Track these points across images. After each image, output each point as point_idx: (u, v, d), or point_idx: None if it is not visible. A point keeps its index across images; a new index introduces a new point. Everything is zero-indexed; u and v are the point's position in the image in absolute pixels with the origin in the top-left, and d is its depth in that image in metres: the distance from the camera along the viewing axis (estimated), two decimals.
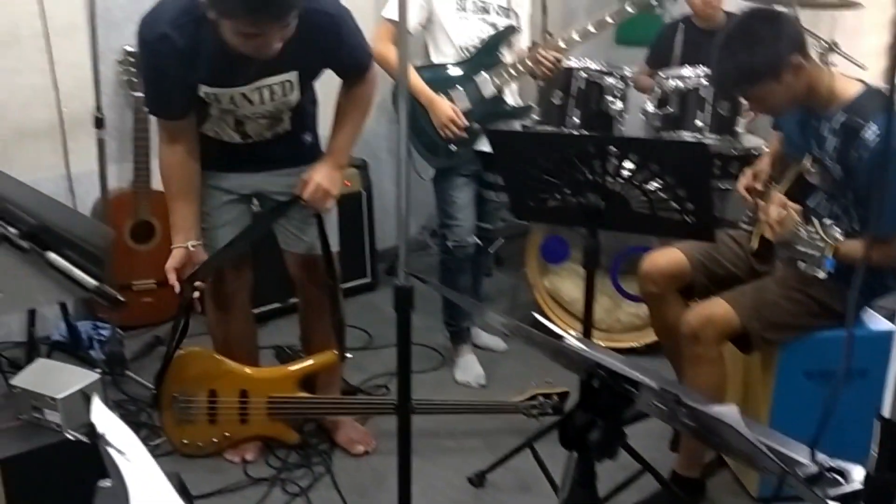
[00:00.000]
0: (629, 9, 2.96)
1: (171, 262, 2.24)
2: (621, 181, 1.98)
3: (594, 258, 2.09)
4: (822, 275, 1.90)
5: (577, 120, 3.33)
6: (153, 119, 2.31)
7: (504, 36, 3.00)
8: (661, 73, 3.32)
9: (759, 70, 2.08)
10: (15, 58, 3.08)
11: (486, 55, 2.97)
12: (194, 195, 2.31)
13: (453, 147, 2.96)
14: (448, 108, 2.90)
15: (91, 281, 1.09)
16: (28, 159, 3.19)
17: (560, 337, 1.20)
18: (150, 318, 3.35)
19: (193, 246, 2.27)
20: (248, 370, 2.54)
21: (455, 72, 2.97)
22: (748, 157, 3.43)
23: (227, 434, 2.55)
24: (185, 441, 2.55)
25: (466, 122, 2.92)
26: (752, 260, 2.45)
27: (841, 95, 2.16)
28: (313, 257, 2.51)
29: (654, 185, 1.95)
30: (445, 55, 2.99)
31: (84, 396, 1.82)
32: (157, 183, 3.34)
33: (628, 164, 1.94)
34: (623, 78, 3.33)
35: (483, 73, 2.97)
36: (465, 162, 3.02)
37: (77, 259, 1.02)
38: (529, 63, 2.95)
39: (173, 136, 2.25)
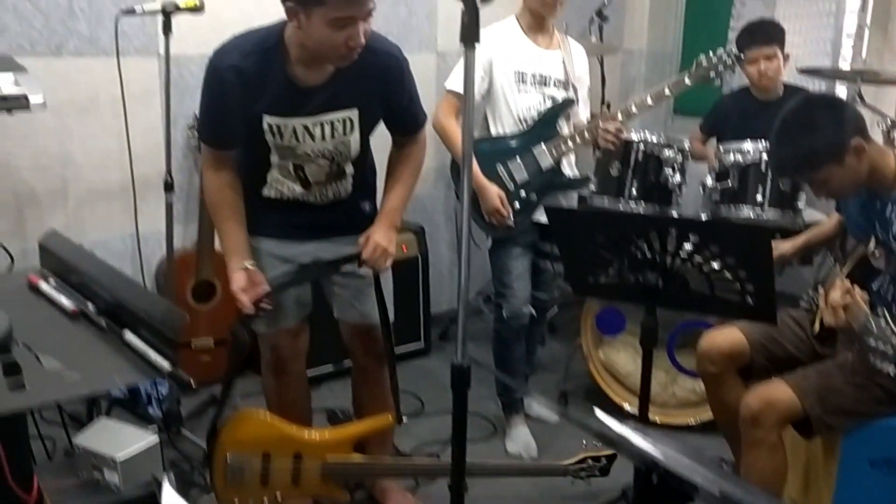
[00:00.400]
0: (687, 81, 2.99)
1: (237, 285, 2.22)
2: (680, 260, 1.97)
3: (652, 337, 2.08)
4: (893, 371, 1.85)
5: (635, 192, 3.32)
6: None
7: (562, 108, 3.04)
8: (720, 147, 3.31)
9: (820, 156, 2.08)
10: (93, 123, 3.22)
11: (544, 127, 3.01)
12: (242, 218, 2.32)
13: (509, 222, 2.99)
14: (495, 198, 2.93)
15: (165, 364, 1.11)
16: (99, 219, 3.32)
17: (615, 430, 1.19)
18: (207, 377, 3.38)
19: (250, 266, 2.26)
20: (304, 434, 2.52)
21: (513, 143, 3.01)
22: None
23: (278, 495, 2.52)
24: (236, 501, 2.52)
25: (511, 213, 2.95)
26: (813, 342, 2.40)
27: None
28: (368, 326, 2.52)
29: (714, 265, 1.93)
30: (505, 126, 3.03)
31: (143, 458, 1.85)
32: (219, 244, 3.45)
33: (688, 244, 1.93)
34: (682, 151, 3.32)
35: (541, 144, 3.01)
36: (521, 232, 3.04)
37: (152, 340, 1.05)
38: (589, 135, 2.98)
39: (219, 164, 2.29)
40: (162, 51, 2.92)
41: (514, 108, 3.00)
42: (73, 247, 1.43)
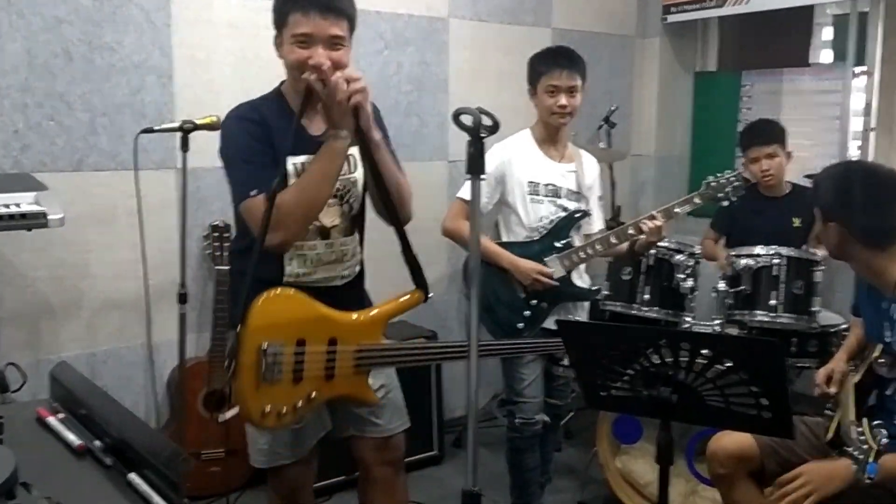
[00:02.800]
0: (697, 200, 3.03)
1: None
2: (694, 374, 1.94)
3: (667, 454, 2.03)
4: (866, 479, 1.82)
5: (647, 297, 3.32)
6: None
7: (574, 219, 3.06)
8: (732, 252, 3.32)
9: (820, 203, 2.23)
10: (110, 234, 3.27)
11: (555, 237, 3.02)
12: None
13: (521, 324, 2.98)
14: (533, 263, 2.96)
15: None
16: (113, 328, 3.33)
17: None
18: (217, 488, 3.34)
19: None
20: (337, 315, 2.16)
21: (524, 252, 3.02)
22: (825, 335, 3.37)
23: (312, 395, 2.12)
24: (268, 408, 2.05)
25: (553, 274, 2.96)
26: (827, 449, 2.34)
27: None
28: (388, 437, 2.41)
29: (727, 379, 1.90)
30: (516, 235, 3.06)
31: None
32: None
33: (701, 358, 1.91)
34: (693, 255, 3.34)
35: (553, 256, 3.01)
36: (533, 339, 3.02)
37: (156, 482, 1.04)
38: (632, 231, 2.94)
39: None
40: (180, 164, 3.00)
41: (527, 218, 3.03)
42: (84, 380, 1.43)
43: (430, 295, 2.27)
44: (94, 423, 1.21)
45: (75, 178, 3.19)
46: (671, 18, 4.71)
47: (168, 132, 2.99)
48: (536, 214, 3.03)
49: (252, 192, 2.09)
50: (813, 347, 3.39)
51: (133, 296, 3.31)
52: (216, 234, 3.39)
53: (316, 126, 2.20)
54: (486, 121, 1.55)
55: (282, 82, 2.26)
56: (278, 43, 2.18)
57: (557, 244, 3.02)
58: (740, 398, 1.92)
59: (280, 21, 2.14)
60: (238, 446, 3.03)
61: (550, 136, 3.08)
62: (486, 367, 2.04)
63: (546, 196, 3.03)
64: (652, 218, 2.90)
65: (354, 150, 2.21)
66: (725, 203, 3.04)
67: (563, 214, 3.03)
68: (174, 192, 3.34)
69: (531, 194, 3.02)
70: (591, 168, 3.19)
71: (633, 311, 3.37)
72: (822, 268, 3.27)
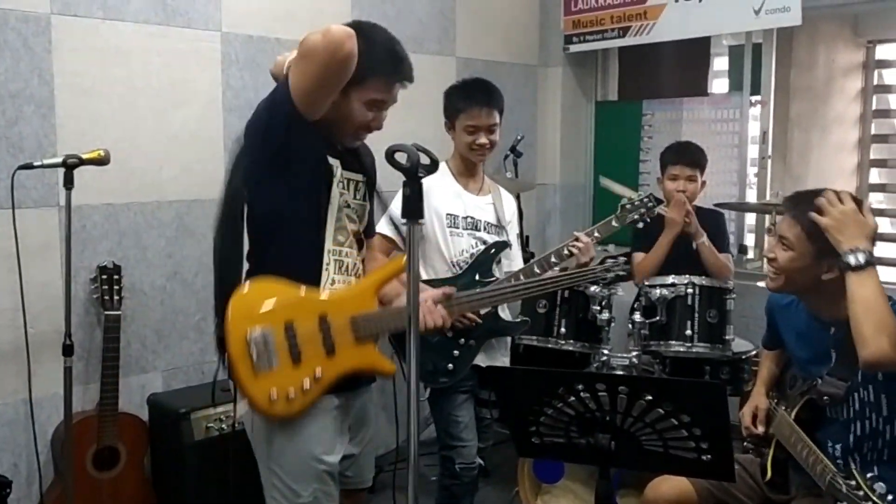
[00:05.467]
0: (614, 223, 3.01)
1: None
2: (632, 418, 1.86)
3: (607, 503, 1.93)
4: None
5: (563, 329, 3.27)
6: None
7: (497, 251, 2.97)
8: (646, 283, 3.30)
9: (820, 234, 2.11)
10: None
11: (477, 272, 2.92)
12: None
13: (451, 366, 2.85)
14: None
15: None
16: None
17: None
18: None
19: None
20: (322, 294, 2.11)
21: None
22: (738, 362, 3.39)
23: (317, 371, 2.05)
24: (273, 392, 2.00)
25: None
26: (765, 489, 2.31)
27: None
28: (355, 490, 2.34)
29: (667, 423, 1.83)
30: (437, 270, 2.94)
31: None
32: (123, 405, 3.18)
33: (639, 402, 1.83)
34: (608, 286, 3.29)
35: (477, 289, 2.86)
36: (463, 379, 2.89)
37: None
38: (555, 259, 2.94)
39: None
40: (63, 201, 2.74)
41: (447, 251, 2.93)
42: None
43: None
44: None
45: None
46: (573, 48, 4.73)
47: (49, 168, 2.74)
48: (457, 248, 2.94)
49: None
50: (726, 375, 3.40)
51: (11, 347, 3.00)
52: (105, 277, 3.12)
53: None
54: (424, 159, 1.43)
55: None
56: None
57: (481, 279, 2.91)
58: (680, 442, 1.85)
59: None
60: None
61: (468, 169, 3.04)
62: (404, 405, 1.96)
63: (465, 229, 2.96)
64: (576, 239, 2.93)
65: (363, 180, 2.23)
66: (640, 225, 3.05)
67: (483, 248, 2.95)
68: (56, 232, 3.06)
69: (450, 227, 2.94)
70: (509, 202, 3.15)
71: (550, 345, 3.30)
72: (734, 296, 3.29)
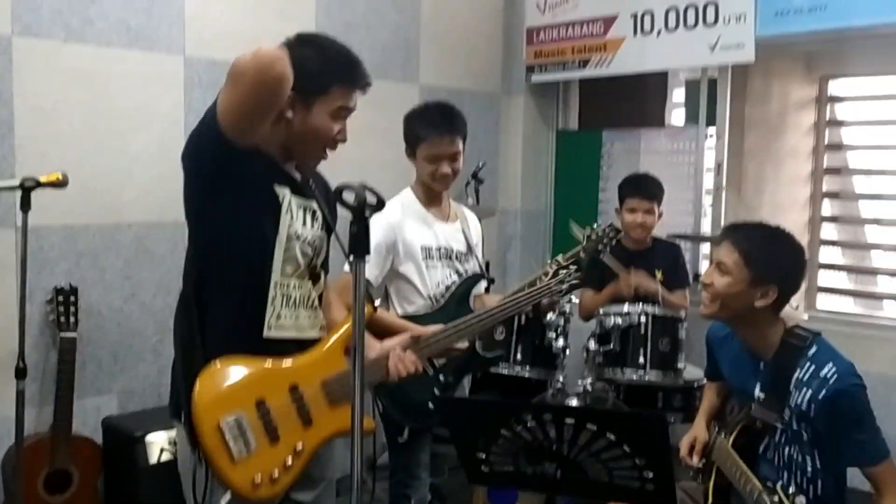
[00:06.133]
0: (582, 255, 3.04)
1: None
2: (577, 448, 1.90)
3: None
4: None
5: (519, 356, 3.31)
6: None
7: (473, 284, 2.90)
8: (601, 311, 3.36)
9: (755, 258, 2.19)
10: None
11: (456, 305, 2.83)
12: None
13: (432, 405, 2.75)
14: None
15: None
16: None
17: None
18: None
19: None
20: (288, 363, 2.03)
21: (429, 324, 2.62)
22: (690, 389, 3.46)
23: (299, 446, 2.00)
24: (258, 477, 1.92)
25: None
26: None
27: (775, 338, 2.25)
28: None
29: (611, 453, 1.87)
30: (414, 305, 2.83)
31: None
32: (77, 428, 3.16)
33: (584, 432, 1.87)
34: (563, 314, 3.35)
35: (443, 326, 2.71)
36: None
37: None
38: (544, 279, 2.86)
39: None
40: (20, 222, 2.73)
41: (424, 286, 2.82)
42: None
43: (377, 306, 2.23)
44: None
45: None
46: (535, 78, 4.82)
47: (6, 190, 2.73)
48: (433, 280, 2.83)
49: None
50: (678, 402, 3.48)
51: None
52: (61, 298, 3.11)
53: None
54: (371, 198, 1.47)
55: None
56: (296, 106, 2.00)
57: (458, 311, 2.79)
58: (624, 471, 1.89)
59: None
60: None
61: (434, 197, 2.91)
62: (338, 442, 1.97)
63: (440, 259, 2.86)
64: (546, 273, 2.87)
65: (318, 208, 2.13)
66: (602, 256, 3.09)
67: (457, 279, 2.86)
68: (12, 253, 3.04)
69: (426, 259, 2.82)
70: (475, 225, 3.06)
71: (507, 371, 3.34)
72: (686, 324, 3.37)
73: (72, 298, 3.13)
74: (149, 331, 3.46)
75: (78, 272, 3.24)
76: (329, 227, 2.17)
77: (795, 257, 2.29)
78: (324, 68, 2.00)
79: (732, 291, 2.24)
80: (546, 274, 2.87)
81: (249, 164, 1.93)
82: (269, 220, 2.00)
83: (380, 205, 1.53)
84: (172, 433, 3.17)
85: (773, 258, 2.23)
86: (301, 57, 1.94)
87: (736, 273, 2.24)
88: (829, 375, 2.14)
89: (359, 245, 1.45)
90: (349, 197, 1.50)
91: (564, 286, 2.78)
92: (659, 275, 3.74)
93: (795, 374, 2.19)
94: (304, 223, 2.09)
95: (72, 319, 3.11)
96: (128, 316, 3.41)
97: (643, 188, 3.67)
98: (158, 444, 3.17)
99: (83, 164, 3.19)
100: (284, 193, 2.04)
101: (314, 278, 2.14)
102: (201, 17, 3.53)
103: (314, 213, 2.13)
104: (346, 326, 2.14)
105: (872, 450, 2.14)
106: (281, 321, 2.04)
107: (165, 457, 3.16)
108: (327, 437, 2.06)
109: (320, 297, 2.19)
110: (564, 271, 2.81)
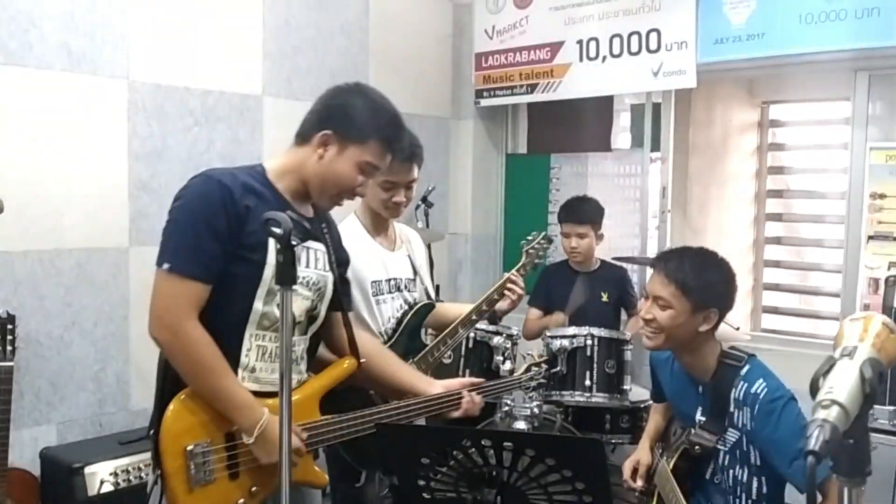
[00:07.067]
0: (528, 267, 3.06)
1: (299, 441, 1.96)
2: (517, 473, 1.90)
3: None
4: None
5: None
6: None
7: (423, 315, 2.82)
8: (548, 334, 3.38)
9: (690, 287, 2.21)
10: None
11: (408, 340, 2.76)
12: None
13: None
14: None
15: None
16: None
17: None
18: None
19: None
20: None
21: None
22: (636, 410, 3.49)
23: (253, 490, 1.99)
24: None
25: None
26: None
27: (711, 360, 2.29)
28: None
29: (550, 478, 1.87)
30: None
31: None
32: (14, 460, 3.07)
33: (524, 457, 1.87)
34: (510, 337, 3.37)
35: (411, 359, 2.72)
36: None
37: None
38: (486, 307, 2.87)
39: (197, 309, 1.91)
40: None
41: (374, 322, 2.72)
42: None
43: (362, 361, 2.19)
44: None
45: None
46: (483, 102, 4.86)
47: None
48: (384, 316, 2.74)
49: (193, 273, 1.89)
50: (625, 423, 3.50)
51: None
52: (10, 327, 3.03)
53: (299, 206, 2.08)
54: (297, 227, 1.46)
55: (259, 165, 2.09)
56: (331, 145, 2.03)
57: (411, 345, 2.75)
58: (564, 495, 1.89)
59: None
60: None
61: (380, 224, 2.82)
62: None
63: (389, 293, 2.77)
64: (509, 281, 2.90)
65: (324, 249, 2.12)
66: (537, 261, 3.09)
67: (407, 310, 2.79)
68: None
69: (376, 295, 2.73)
70: (419, 247, 3.01)
71: None
72: (631, 346, 3.40)
73: (9, 327, 3.04)
74: (89, 359, 3.39)
75: (16, 299, 3.17)
76: (333, 269, 2.15)
77: (726, 276, 2.33)
78: (370, 121, 2.04)
79: (676, 323, 2.26)
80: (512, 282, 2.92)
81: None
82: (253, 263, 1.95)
83: (307, 234, 1.52)
84: (115, 463, 3.11)
85: (708, 282, 2.27)
86: (353, 103, 2.05)
87: (676, 305, 2.26)
88: (759, 391, 2.18)
89: (286, 275, 1.44)
90: (275, 227, 1.49)
91: (533, 383, 2.76)
92: (605, 296, 3.80)
93: (732, 394, 2.22)
94: (309, 265, 2.08)
95: (9, 348, 3.02)
96: (68, 344, 3.33)
97: (573, 212, 3.75)
98: (99, 475, 3.09)
99: (22, 189, 3.13)
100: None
101: (308, 323, 2.12)
102: (145, 42, 3.50)
103: (316, 252, 2.12)
104: (326, 377, 2.15)
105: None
106: (256, 374, 2.00)
107: (106, 488, 3.09)
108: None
109: (315, 344, 2.18)
110: (536, 369, 2.77)
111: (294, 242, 1.46)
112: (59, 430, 3.33)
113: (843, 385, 1.05)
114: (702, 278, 2.26)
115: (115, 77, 3.42)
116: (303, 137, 2.08)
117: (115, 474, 3.11)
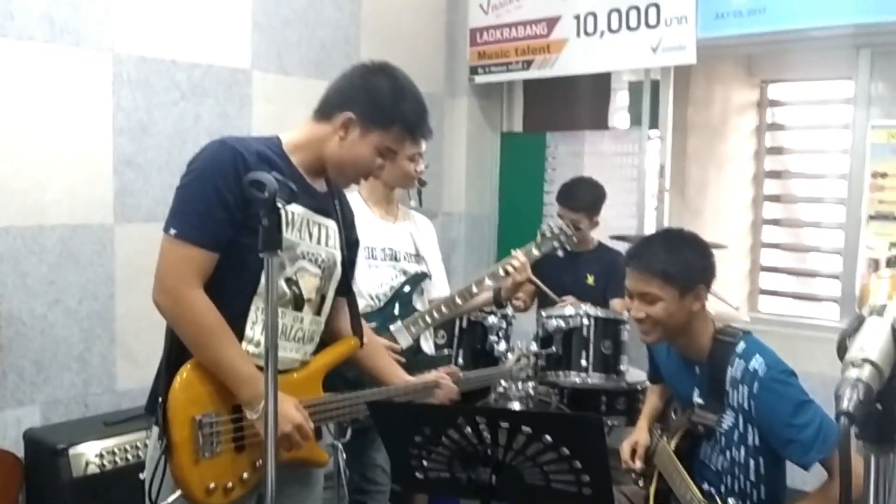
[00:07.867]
0: (535, 252, 3.00)
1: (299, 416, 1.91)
2: (513, 452, 1.83)
3: None
4: None
5: (461, 360, 3.25)
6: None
7: (415, 282, 2.89)
8: (543, 313, 3.31)
9: (671, 274, 2.15)
10: None
11: (399, 303, 2.83)
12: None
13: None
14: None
15: None
16: None
17: None
18: None
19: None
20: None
21: (368, 322, 2.63)
22: (633, 392, 3.43)
23: (257, 464, 1.94)
24: (211, 485, 1.87)
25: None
26: None
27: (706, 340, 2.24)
28: None
29: (547, 457, 1.81)
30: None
31: None
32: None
33: (520, 436, 1.80)
34: (505, 317, 3.30)
35: (399, 323, 2.80)
36: None
37: None
38: (476, 290, 2.87)
39: (203, 277, 1.86)
40: None
41: (365, 285, 2.79)
42: None
43: (364, 341, 2.18)
44: None
45: None
46: (478, 79, 4.77)
47: None
48: (376, 281, 2.82)
49: (199, 240, 1.84)
50: (621, 405, 3.45)
51: None
52: None
53: (314, 181, 2.04)
54: (283, 188, 1.38)
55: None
56: (353, 128, 1.97)
57: (401, 312, 2.81)
58: (561, 475, 1.83)
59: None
60: None
61: (385, 197, 2.92)
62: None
63: (384, 260, 2.85)
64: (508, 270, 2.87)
65: (335, 226, 2.07)
66: (560, 252, 3.05)
67: (403, 279, 2.86)
68: None
69: (369, 259, 2.80)
70: (427, 229, 3.06)
71: None
72: (628, 327, 3.33)
73: None
74: (74, 338, 3.31)
75: None
76: (343, 249, 2.11)
77: (700, 248, 2.28)
78: (395, 106, 1.98)
79: (670, 312, 2.20)
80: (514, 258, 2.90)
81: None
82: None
83: (293, 195, 1.44)
84: (100, 444, 3.04)
85: (686, 262, 2.21)
86: (378, 86, 1.98)
87: (664, 295, 2.20)
88: (756, 367, 2.12)
89: (270, 239, 1.36)
90: (259, 188, 1.41)
91: (522, 374, 2.80)
92: (590, 279, 3.73)
93: (728, 373, 2.16)
94: (320, 241, 2.03)
95: None
96: (52, 323, 3.25)
97: (569, 198, 3.68)
98: (84, 456, 3.02)
99: (2, 164, 3.05)
100: (293, 209, 1.93)
101: (321, 303, 2.07)
102: (131, 12, 3.40)
103: (327, 229, 2.06)
104: (330, 354, 2.13)
105: (824, 435, 2.08)
106: (260, 348, 1.91)
107: (91, 469, 3.02)
108: (287, 460, 1.95)
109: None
110: (526, 361, 2.81)
111: (279, 205, 1.38)
112: (42, 411, 3.25)
113: (874, 343, 0.99)
114: (680, 260, 2.20)
115: (99, 49, 3.32)
116: (323, 114, 2.01)
117: (101, 455, 3.04)
